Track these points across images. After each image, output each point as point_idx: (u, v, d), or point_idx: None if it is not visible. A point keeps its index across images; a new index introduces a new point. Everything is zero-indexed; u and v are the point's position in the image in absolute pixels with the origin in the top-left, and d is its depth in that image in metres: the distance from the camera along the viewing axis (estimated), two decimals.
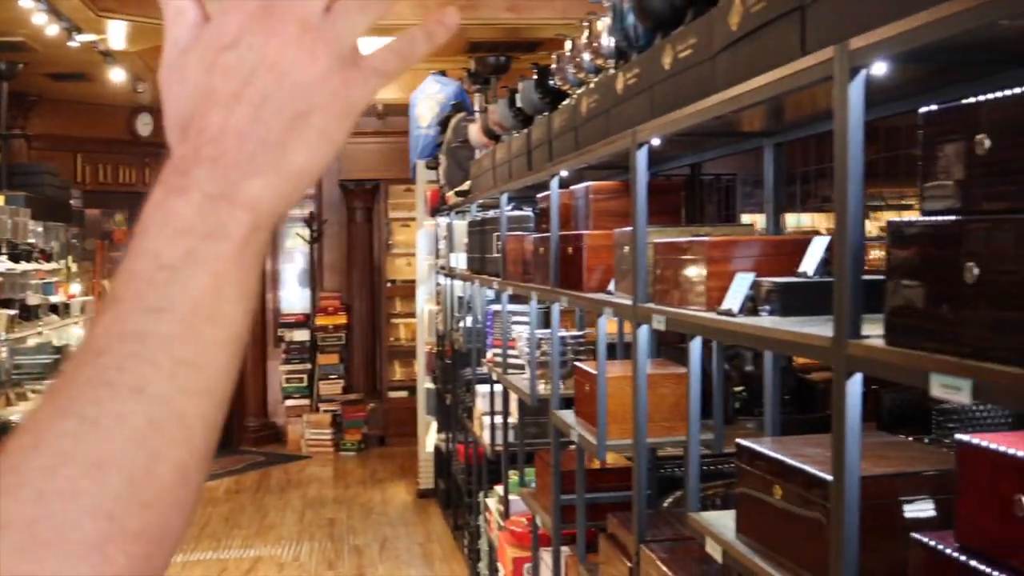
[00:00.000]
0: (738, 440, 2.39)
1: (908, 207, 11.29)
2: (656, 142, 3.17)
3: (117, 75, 8.78)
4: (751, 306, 2.50)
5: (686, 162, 4.17)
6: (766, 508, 2.23)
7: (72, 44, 7.79)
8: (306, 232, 12.40)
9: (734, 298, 2.52)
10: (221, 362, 0.67)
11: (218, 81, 0.68)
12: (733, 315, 2.46)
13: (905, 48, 1.73)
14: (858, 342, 1.83)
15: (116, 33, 7.99)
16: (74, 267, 8.76)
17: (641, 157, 3.17)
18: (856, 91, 1.88)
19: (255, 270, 0.69)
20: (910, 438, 7.69)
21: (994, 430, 8.29)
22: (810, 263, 2.54)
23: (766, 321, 2.34)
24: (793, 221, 7.39)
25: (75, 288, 8.64)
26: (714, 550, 2.43)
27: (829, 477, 1.98)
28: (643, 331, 3.13)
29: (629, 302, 3.22)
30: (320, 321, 12.05)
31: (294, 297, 12.74)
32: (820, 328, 2.10)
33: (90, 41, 7.81)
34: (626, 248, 3.41)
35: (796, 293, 2.43)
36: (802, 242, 2.73)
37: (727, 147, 3.63)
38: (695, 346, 2.74)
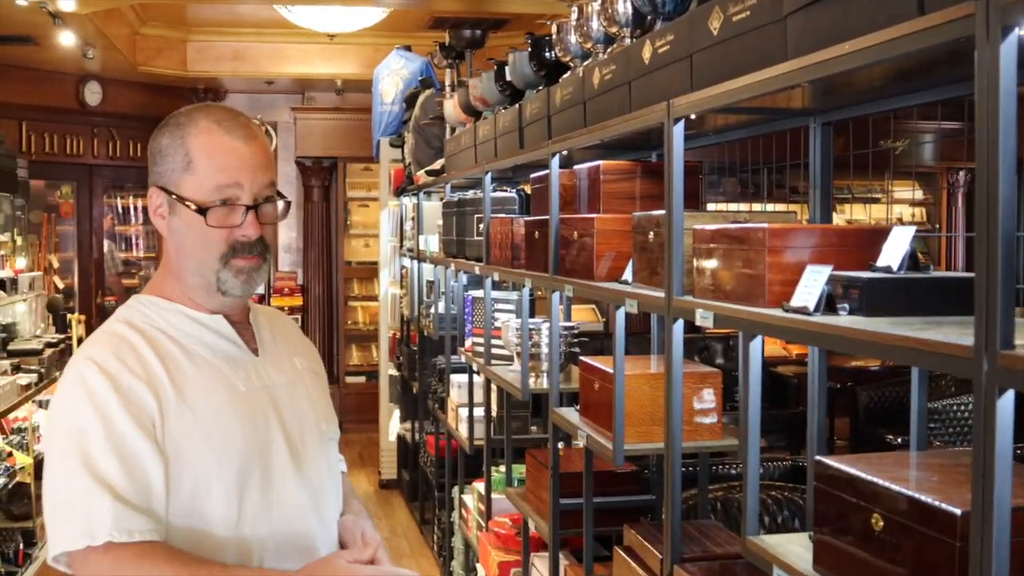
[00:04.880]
0: (818, 458, 2.09)
1: (875, 200, 11.15)
2: (692, 116, 2.86)
3: (66, 39, 8.29)
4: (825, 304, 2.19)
5: (702, 143, 3.86)
6: (858, 540, 1.93)
7: (20, 3, 7.32)
8: None
9: (807, 294, 2.21)
10: None
11: None
12: (809, 313, 2.16)
13: None
14: (1012, 353, 1.53)
15: None
16: (19, 240, 8.28)
17: (677, 133, 2.85)
18: (1008, 53, 1.57)
19: None
20: (899, 439, 7.37)
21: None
22: (893, 257, 2.23)
23: (856, 322, 2.03)
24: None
25: (21, 263, 8.17)
26: None
27: (957, 511, 1.68)
28: (678, 327, 2.82)
29: (659, 294, 2.90)
30: (275, 303, 11.63)
31: None
32: (934, 332, 1.80)
33: (38, 1, 7.33)
34: (651, 234, 3.09)
35: (882, 291, 2.13)
36: (872, 232, 2.42)
37: (756, 127, 3.31)
38: (756, 347, 2.43)
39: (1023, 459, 2.17)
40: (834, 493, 2.01)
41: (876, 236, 2.36)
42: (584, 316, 8.73)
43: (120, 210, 12.09)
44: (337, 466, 2.27)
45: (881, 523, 1.87)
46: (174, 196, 1.98)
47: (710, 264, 2.61)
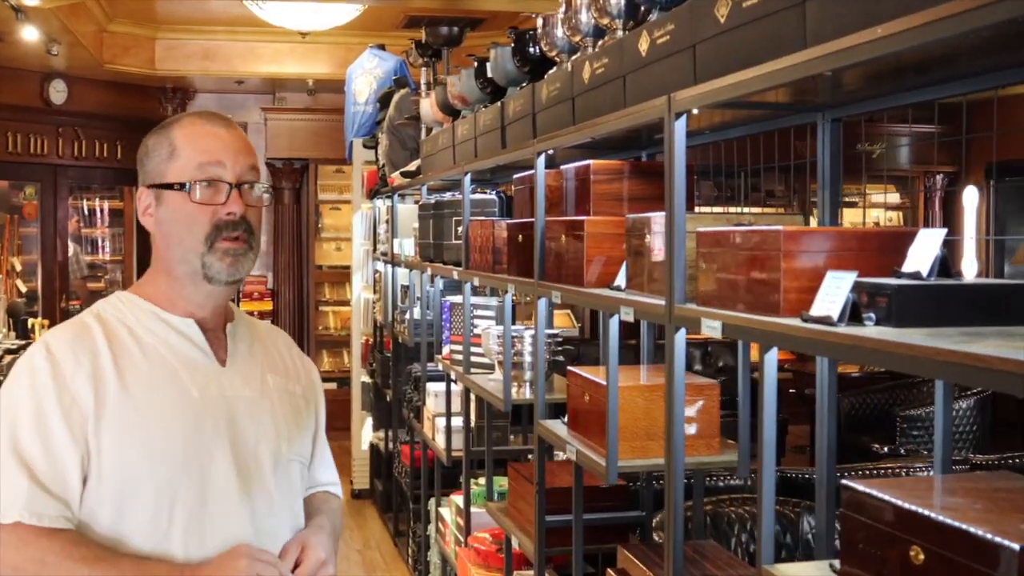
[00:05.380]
0: (844, 482, 1.90)
1: (852, 204, 11.03)
2: (695, 111, 2.68)
3: (30, 34, 8.05)
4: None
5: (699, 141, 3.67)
6: (894, 575, 1.75)
7: None
8: None
9: (830, 302, 2.03)
10: None
11: None
12: (833, 324, 1.97)
13: None
14: None
15: None
16: None
17: (679, 129, 2.67)
18: None
19: None
20: (885, 448, 7.22)
21: (963, 439, 7.82)
22: (921, 262, 2.05)
23: (886, 333, 1.85)
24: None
25: None
26: None
27: (1016, 546, 1.50)
28: (680, 337, 2.63)
29: (658, 301, 2.72)
30: (245, 307, 11.39)
31: None
32: (983, 346, 1.61)
33: None
34: (648, 238, 2.91)
35: (913, 299, 1.95)
36: (895, 236, 2.25)
37: (758, 124, 3.13)
38: (771, 359, 2.24)
39: None
40: (865, 521, 1.82)
41: (899, 240, 2.19)
42: (559, 322, 8.54)
43: (86, 212, 11.83)
44: (297, 489, 2.21)
45: (922, 556, 1.68)
46: (160, 186, 2.05)
47: (715, 270, 2.43)
